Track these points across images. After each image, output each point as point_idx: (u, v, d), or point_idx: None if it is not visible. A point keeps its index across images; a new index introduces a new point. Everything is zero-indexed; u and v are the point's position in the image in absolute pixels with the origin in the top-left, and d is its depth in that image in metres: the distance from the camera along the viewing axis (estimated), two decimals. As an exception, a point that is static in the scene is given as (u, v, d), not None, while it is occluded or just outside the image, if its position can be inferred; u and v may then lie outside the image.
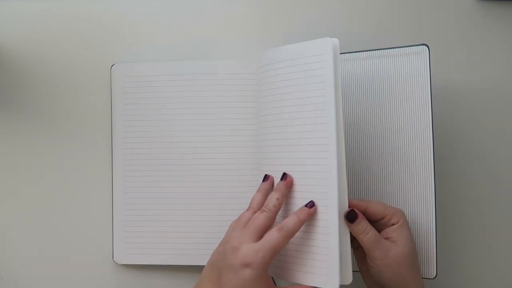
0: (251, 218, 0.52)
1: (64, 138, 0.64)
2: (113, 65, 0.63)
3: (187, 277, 0.63)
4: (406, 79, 0.58)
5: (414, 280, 0.52)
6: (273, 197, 0.53)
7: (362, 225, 0.52)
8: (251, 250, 0.49)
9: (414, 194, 0.58)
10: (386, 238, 0.53)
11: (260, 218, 0.51)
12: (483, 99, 0.64)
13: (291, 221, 0.51)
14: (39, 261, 0.64)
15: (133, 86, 0.62)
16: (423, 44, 0.58)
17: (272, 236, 0.50)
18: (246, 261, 0.49)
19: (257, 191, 0.55)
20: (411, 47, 0.59)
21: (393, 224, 0.53)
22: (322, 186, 0.52)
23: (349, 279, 0.52)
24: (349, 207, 0.53)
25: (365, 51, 0.60)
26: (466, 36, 0.64)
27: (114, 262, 0.63)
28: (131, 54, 0.64)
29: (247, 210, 0.54)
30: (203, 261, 0.61)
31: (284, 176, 0.54)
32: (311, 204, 0.53)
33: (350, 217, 0.52)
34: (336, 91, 0.52)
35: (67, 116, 0.64)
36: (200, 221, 0.62)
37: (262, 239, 0.50)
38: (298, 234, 0.52)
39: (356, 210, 0.52)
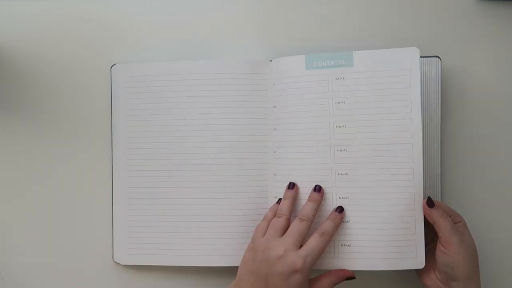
0: (285, 225, 0.55)
1: (64, 138, 0.64)
2: (113, 65, 0.63)
3: (188, 278, 0.64)
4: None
5: (477, 275, 0.54)
6: (311, 207, 0.56)
7: (441, 210, 0.55)
8: (298, 257, 0.53)
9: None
10: None
11: (302, 227, 0.55)
12: (483, 99, 0.64)
13: (329, 226, 0.56)
14: (39, 261, 0.64)
15: (133, 86, 0.63)
16: (435, 56, 0.61)
17: (317, 241, 0.54)
18: (296, 267, 0.52)
19: (285, 198, 0.58)
20: (423, 58, 0.61)
21: (457, 222, 0.56)
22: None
23: (423, 263, 0.57)
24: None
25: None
26: (466, 36, 0.64)
27: (115, 262, 0.63)
28: (131, 54, 0.64)
29: (279, 217, 0.56)
30: (205, 262, 0.61)
31: (318, 187, 0.58)
32: (340, 210, 0.57)
33: (430, 202, 0.55)
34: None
35: (67, 116, 0.64)
36: (203, 221, 0.61)
37: (306, 245, 0.54)
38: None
39: (432, 198, 0.56)
